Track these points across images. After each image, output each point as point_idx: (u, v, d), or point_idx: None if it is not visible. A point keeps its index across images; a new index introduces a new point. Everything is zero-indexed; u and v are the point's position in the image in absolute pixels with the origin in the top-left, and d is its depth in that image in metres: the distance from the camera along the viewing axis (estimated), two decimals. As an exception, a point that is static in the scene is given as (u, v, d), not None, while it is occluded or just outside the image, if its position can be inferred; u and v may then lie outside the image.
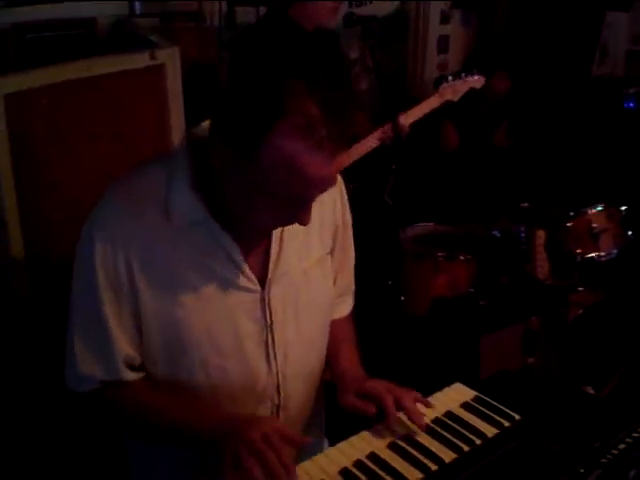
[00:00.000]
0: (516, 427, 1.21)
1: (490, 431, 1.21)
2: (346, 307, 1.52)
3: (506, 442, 1.17)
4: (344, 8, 3.33)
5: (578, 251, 2.89)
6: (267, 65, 0.98)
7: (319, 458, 1.16)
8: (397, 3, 4.00)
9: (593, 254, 2.91)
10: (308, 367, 1.35)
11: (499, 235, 2.85)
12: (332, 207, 1.36)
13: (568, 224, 2.91)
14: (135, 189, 1.17)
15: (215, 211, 1.15)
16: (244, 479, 1.02)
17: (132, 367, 1.22)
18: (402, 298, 3.04)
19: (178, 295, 1.16)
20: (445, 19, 4.16)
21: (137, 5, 3.11)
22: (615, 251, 2.95)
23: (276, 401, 1.29)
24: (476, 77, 2.75)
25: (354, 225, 1.50)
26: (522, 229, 2.75)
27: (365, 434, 1.23)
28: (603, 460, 1.09)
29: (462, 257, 2.92)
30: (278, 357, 1.27)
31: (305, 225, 1.13)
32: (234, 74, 1.03)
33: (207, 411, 1.19)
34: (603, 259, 2.94)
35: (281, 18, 1.05)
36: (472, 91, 3.14)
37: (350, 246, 1.46)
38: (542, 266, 2.67)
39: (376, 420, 1.25)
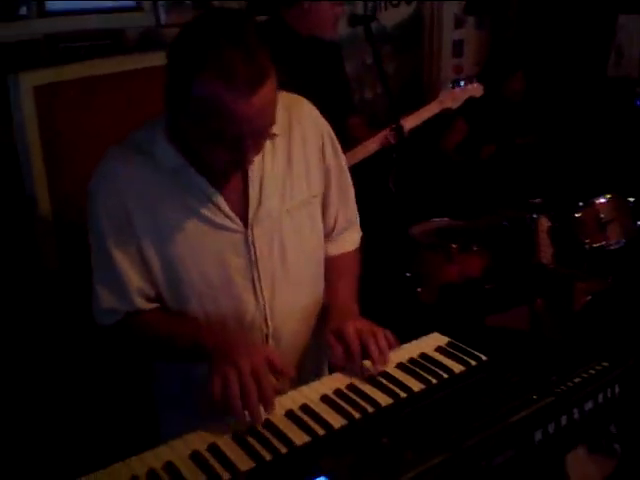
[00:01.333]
0: (481, 365, 1.33)
1: (458, 368, 1.33)
2: (350, 243, 1.64)
3: (470, 376, 1.29)
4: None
5: (586, 240, 2.98)
6: (196, 28, 1.22)
7: (303, 388, 1.32)
8: (411, 9, 4.14)
9: (601, 243, 2.99)
10: (297, 304, 1.48)
11: (508, 225, 2.95)
12: (319, 152, 1.49)
13: (576, 214, 3.00)
14: (126, 148, 1.36)
15: (192, 159, 1.33)
16: (225, 397, 1.19)
17: (148, 299, 1.40)
18: (419, 290, 3.16)
19: (169, 234, 1.35)
20: (459, 23, 4.28)
21: (163, 16, 3.31)
22: (623, 240, 3.02)
23: (265, 331, 1.44)
24: (475, 85, 2.83)
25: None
26: (527, 217, 2.84)
27: (343, 372, 1.37)
28: (557, 390, 1.20)
29: (475, 248, 3.03)
30: (265, 292, 1.42)
31: (250, 165, 1.31)
32: (172, 45, 1.23)
33: (212, 332, 1.35)
34: (611, 248, 3.01)
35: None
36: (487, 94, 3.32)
37: (348, 185, 1.60)
38: (545, 251, 2.76)
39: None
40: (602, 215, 3.00)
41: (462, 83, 2.83)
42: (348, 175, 1.60)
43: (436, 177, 3.65)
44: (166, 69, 1.23)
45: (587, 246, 2.97)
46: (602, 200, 3.02)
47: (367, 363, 1.36)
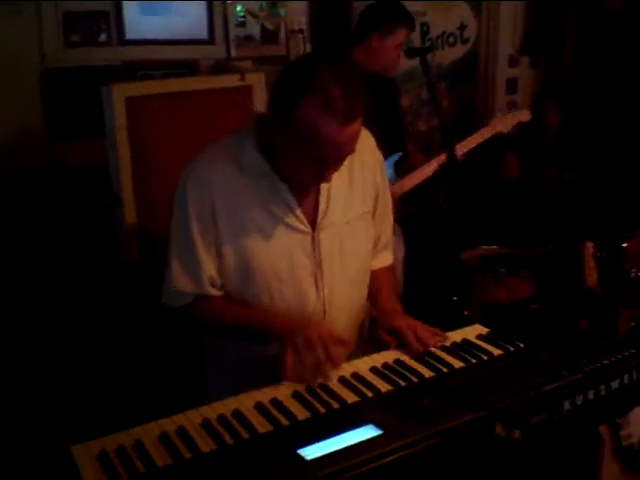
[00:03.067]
0: (519, 350, 1.46)
1: (497, 352, 1.46)
2: (387, 259, 1.83)
3: (508, 358, 1.42)
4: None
5: (632, 269, 3.04)
6: (305, 57, 1.46)
7: (354, 360, 1.49)
8: (467, 48, 4.34)
9: (647, 273, 3.04)
10: (350, 301, 1.67)
11: (554, 249, 3.04)
12: (373, 177, 1.70)
13: (624, 244, 3.07)
14: (217, 151, 1.56)
15: (275, 167, 1.51)
16: (299, 363, 1.37)
17: (216, 287, 1.58)
18: (465, 313, 3.26)
19: (247, 230, 1.53)
20: (513, 62, 4.45)
21: (233, 50, 3.60)
22: (668, 271, 3.06)
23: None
24: (524, 111, 3.05)
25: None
26: (574, 242, 2.94)
27: (394, 350, 1.52)
28: (585, 369, 1.32)
29: (523, 273, 3.12)
30: (325, 288, 1.60)
31: (328, 182, 1.51)
32: (284, 69, 1.43)
33: (276, 314, 1.54)
34: (657, 279, 3.06)
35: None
36: (531, 126, 3.49)
37: (389, 210, 1.80)
38: (591, 274, 2.84)
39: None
40: (649, 246, 3.06)
41: (512, 110, 3.05)
42: (390, 201, 1.80)
43: (495, 204, 3.79)
44: (274, 86, 1.43)
45: (633, 274, 3.03)
46: (650, 231, 3.08)
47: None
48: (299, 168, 1.45)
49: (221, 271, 1.56)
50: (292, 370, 1.38)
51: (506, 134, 2.97)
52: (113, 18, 3.24)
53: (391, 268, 1.84)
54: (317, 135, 1.35)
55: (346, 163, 1.56)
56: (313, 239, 1.57)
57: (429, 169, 2.87)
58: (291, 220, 1.54)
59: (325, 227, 1.58)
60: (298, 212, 1.55)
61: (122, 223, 2.32)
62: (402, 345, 1.53)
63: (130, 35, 3.30)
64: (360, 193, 1.65)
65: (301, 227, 1.56)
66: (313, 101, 1.33)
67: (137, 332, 2.52)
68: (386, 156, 1.75)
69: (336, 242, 1.60)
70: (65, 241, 2.70)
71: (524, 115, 3.03)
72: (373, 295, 1.73)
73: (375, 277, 1.75)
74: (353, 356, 1.66)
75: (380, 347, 1.58)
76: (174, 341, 2.48)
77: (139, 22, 3.30)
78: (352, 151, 1.45)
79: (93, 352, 2.58)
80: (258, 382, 1.39)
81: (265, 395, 1.34)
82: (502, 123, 2.97)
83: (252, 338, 1.55)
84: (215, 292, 1.58)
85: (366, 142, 1.68)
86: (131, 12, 3.28)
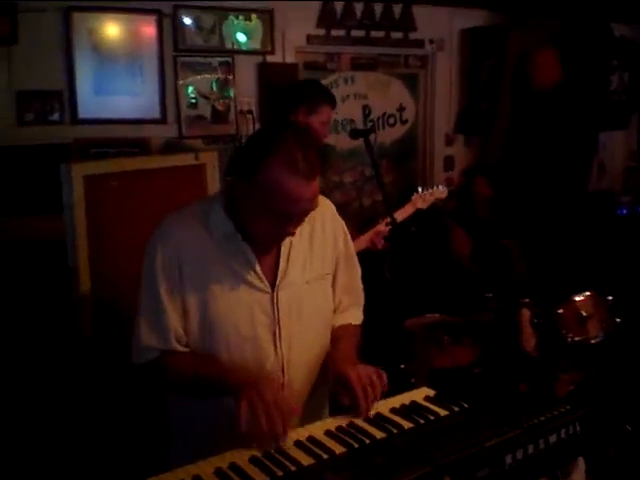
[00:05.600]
0: (464, 410, 1.55)
1: (443, 412, 1.56)
2: (353, 317, 1.91)
3: (453, 418, 1.51)
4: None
5: (569, 334, 3.20)
6: (272, 127, 1.62)
7: (308, 425, 1.55)
8: (406, 128, 4.61)
9: (582, 337, 3.21)
10: (309, 359, 1.75)
11: (494, 316, 3.19)
12: (334, 242, 1.81)
13: (559, 310, 3.24)
14: (185, 214, 1.68)
15: (240, 229, 1.62)
16: (252, 422, 1.42)
17: (181, 343, 1.64)
18: (412, 380, 3.35)
19: (211, 288, 1.62)
20: (449, 141, 4.73)
21: (184, 129, 3.73)
22: (602, 334, 3.24)
23: (281, 380, 1.68)
24: (441, 189, 3.34)
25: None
26: (512, 309, 3.10)
27: (345, 414, 1.59)
28: (524, 425, 1.42)
29: (466, 340, 3.25)
30: (284, 346, 1.68)
31: (292, 236, 1.62)
32: (252, 135, 1.60)
33: (233, 368, 1.60)
34: (592, 342, 3.23)
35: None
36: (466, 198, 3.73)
37: (355, 272, 1.91)
38: (528, 340, 2.99)
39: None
40: (582, 311, 3.23)
41: (430, 188, 3.33)
42: (356, 264, 1.92)
43: (437, 271, 3.97)
44: (238, 151, 1.58)
45: (569, 339, 3.19)
46: (581, 297, 3.26)
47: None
48: (264, 225, 1.56)
49: (187, 328, 1.63)
50: (247, 423, 1.42)
51: (425, 209, 3.23)
52: (66, 97, 3.32)
53: (357, 327, 1.91)
54: (282, 192, 1.48)
55: (308, 228, 1.70)
56: (272, 298, 1.66)
57: (362, 244, 3.04)
58: (252, 278, 1.64)
59: (284, 287, 1.67)
60: (259, 271, 1.64)
61: (77, 297, 2.35)
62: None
63: (83, 114, 3.38)
64: (320, 256, 1.76)
65: (261, 286, 1.65)
66: (278, 161, 1.48)
67: (93, 407, 2.49)
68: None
69: (295, 301, 1.69)
70: (22, 315, 2.69)
71: (441, 193, 3.32)
72: (332, 345, 1.80)
73: (337, 331, 1.83)
74: (316, 412, 1.72)
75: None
76: (133, 411, 2.48)
77: (92, 101, 3.39)
78: (312, 208, 1.57)
79: (49, 426, 2.54)
80: (219, 441, 1.44)
81: (224, 460, 1.38)
82: (421, 200, 3.25)
83: (209, 392, 1.60)
84: (180, 348, 1.64)
85: (328, 207, 1.82)
86: (84, 91, 3.37)
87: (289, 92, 3.05)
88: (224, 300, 1.63)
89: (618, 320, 3.30)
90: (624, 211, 4.67)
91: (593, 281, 3.52)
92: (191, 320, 1.63)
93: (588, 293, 3.28)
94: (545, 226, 4.34)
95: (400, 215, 3.17)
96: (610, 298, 3.34)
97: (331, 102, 2.99)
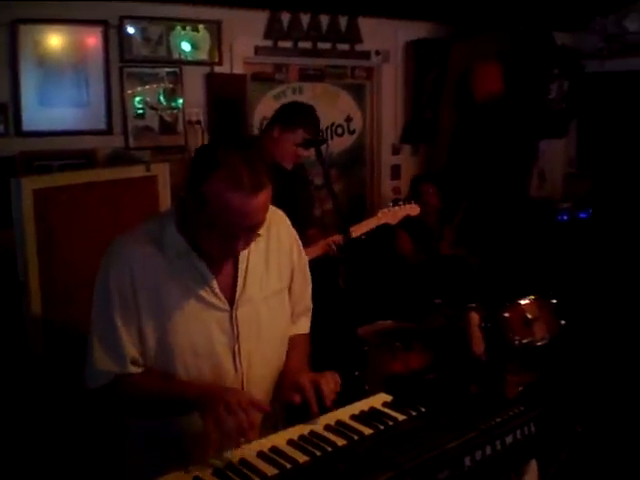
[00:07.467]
0: (421, 414, 1.59)
1: (401, 417, 1.59)
2: (305, 326, 1.93)
3: (412, 422, 1.55)
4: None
5: (515, 337, 3.29)
6: (216, 142, 1.58)
7: (271, 435, 1.56)
8: (354, 138, 4.68)
9: (529, 339, 3.31)
10: (268, 372, 1.75)
11: (445, 321, 3.26)
12: (289, 255, 1.82)
13: (505, 314, 3.33)
14: (138, 233, 1.64)
15: (194, 246, 1.60)
16: (219, 430, 1.41)
17: (137, 365, 1.61)
18: (366, 387, 3.38)
19: (166, 308, 1.59)
20: (396, 151, 4.82)
21: (132, 140, 3.69)
22: (548, 336, 3.34)
23: None
24: (413, 205, 3.29)
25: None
26: (461, 314, 3.17)
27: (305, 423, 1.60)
28: (481, 427, 1.46)
29: (417, 347, 3.31)
30: (243, 362, 1.67)
31: (238, 254, 1.62)
32: (197, 150, 1.59)
33: (194, 385, 1.58)
34: (538, 344, 3.33)
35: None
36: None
37: (306, 281, 1.91)
38: (477, 344, 3.06)
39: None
40: (528, 314, 3.33)
41: (401, 203, 3.28)
42: (308, 274, 1.93)
43: (389, 278, 4.02)
44: (188, 167, 1.56)
45: (516, 342, 3.28)
46: (526, 301, 3.36)
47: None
48: (215, 240, 1.54)
49: (141, 348, 1.60)
50: (216, 440, 1.42)
51: (394, 225, 3.22)
52: (11, 110, 3.25)
53: (306, 336, 1.93)
54: (227, 207, 1.46)
55: (263, 242, 1.69)
56: (231, 316, 1.65)
57: (318, 250, 3.05)
58: (209, 296, 1.62)
59: (243, 304, 1.66)
60: (216, 288, 1.63)
61: (28, 312, 2.29)
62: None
63: (28, 126, 3.32)
64: (276, 271, 1.76)
65: (219, 304, 1.63)
66: (221, 176, 1.46)
67: (44, 428, 2.42)
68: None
69: (254, 318, 1.69)
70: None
71: (412, 209, 3.28)
72: (286, 356, 1.81)
73: (291, 340, 1.84)
74: (273, 424, 1.72)
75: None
76: (85, 432, 2.42)
77: (37, 113, 3.33)
78: (261, 221, 1.55)
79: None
80: (179, 458, 1.43)
81: (188, 475, 1.38)
82: (390, 215, 3.21)
83: (170, 410, 1.59)
84: (136, 370, 1.61)
85: (283, 221, 1.82)
86: (29, 103, 3.31)
87: (280, 109, 3.15)
88: (180, 320, 1.60)
89: (563, 322, 3.43)
90: (564, 217, 4.83)
91: (537, 285, 3.64)
92: (147, 341, 1.60)
93: (533, 297, 3.38)
94: (489, 232, 4.46)
95: (361, 229, 3.13)
96: (554, 301, 3.46)
97: (307, 127, 3.02)
